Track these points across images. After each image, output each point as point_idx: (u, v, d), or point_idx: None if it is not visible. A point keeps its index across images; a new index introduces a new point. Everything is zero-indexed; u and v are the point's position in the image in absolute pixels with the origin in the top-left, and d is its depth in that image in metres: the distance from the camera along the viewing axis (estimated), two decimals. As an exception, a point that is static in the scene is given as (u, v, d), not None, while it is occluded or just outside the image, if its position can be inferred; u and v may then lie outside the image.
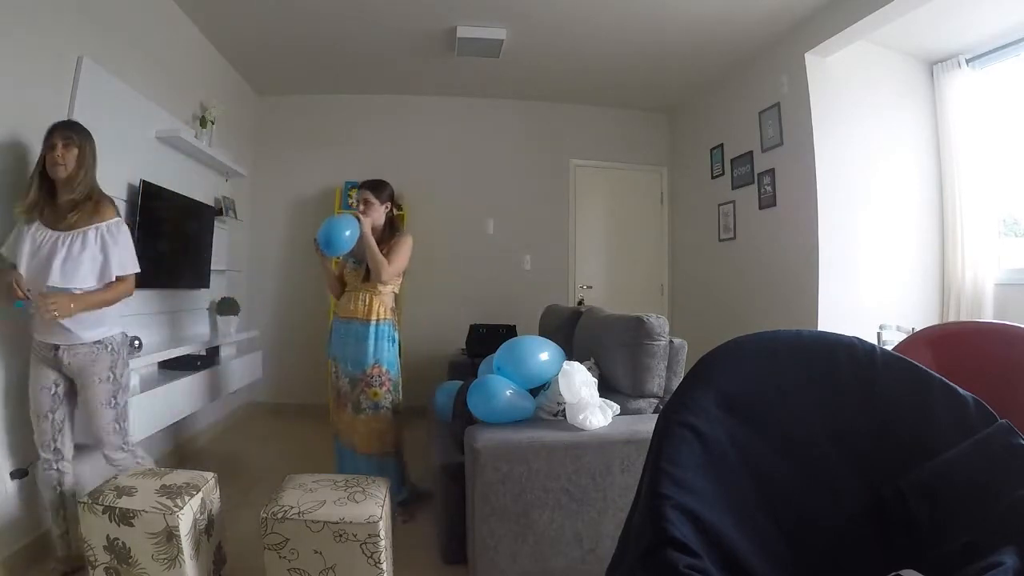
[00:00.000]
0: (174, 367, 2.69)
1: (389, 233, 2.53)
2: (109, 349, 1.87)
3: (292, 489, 1.68)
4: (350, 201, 2.58)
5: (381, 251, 2.40)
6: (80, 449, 2.19)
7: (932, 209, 3.37)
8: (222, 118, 3.46)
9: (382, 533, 1.58)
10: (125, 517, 1.54)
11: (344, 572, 1.56)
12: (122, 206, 2.50)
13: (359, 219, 2.36)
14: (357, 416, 2.43)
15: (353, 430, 2.44)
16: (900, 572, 0.92)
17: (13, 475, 1.90)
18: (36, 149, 1.96)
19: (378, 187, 2.53)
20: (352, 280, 2.51)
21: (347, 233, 2.29)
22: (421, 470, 2.71)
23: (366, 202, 2.48)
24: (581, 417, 1.79)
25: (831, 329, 1.34)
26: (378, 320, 2.43)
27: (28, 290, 1.74)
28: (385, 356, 2.43)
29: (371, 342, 2.41)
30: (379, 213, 2.50)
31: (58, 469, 1.87)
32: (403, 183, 4.28)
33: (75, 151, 1.78)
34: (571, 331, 2.62)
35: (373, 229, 2.44)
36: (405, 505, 2.45)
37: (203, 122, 3.26)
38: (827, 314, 3.08)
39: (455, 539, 1.96)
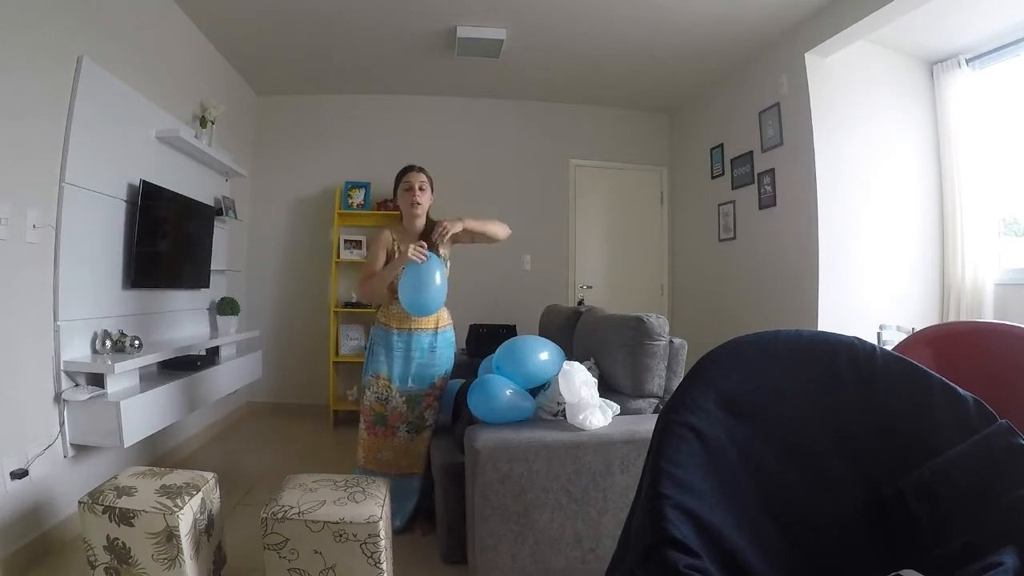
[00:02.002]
0: (174, 367, 2.69)
1: (432, 224, 2.29)
2: None
3: (292, 489, 1.68)
4: (412, 200, 2.28)
5: (440, 244, 2.19)
6: (80, 449, 2.20)
7: (932, 209, 3.38)
8: (222, 118, 3.46)
9: (382, 533, 1.58)
10: (125, 517, 1.54)
11: (344, 572, 1.56)
12: (122, 206, 2.51)
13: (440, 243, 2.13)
14: (418, 435, 2.23)
15: (410, 452, 2.23)
16: (900, 572, 0.92)
17: (13, 475, 1.90)
18: (36, 149, 1.96)
19: (426, 171, 2.31)
20: None
21: (437, 276, 2.08)
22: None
23: (421, 189, 2.28)
24: (581, 417, 1.79)
25: (831, 329, 1.34)
26: (444, 327, 2.28)
27: None
28: (450, 365, 2.31)
29: (439, 352, 2.25)
30: (430, 198, 2.32)
31: None
32: (403, 183, 4.28)
33: None
34: (571, 331, 2.62)
35: (425, 227, 2.26)
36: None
37: (203, 122, 3.26)
38: (827, 314, 3.08)
39: (455, 539, 1.96)
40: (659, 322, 2.00)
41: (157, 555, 1.54)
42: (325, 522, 1.54)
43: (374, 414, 2.23)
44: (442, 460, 2.05)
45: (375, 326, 2.30)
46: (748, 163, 3.72)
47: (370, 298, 2.27)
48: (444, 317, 2.31)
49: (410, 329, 2.23)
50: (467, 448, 1.81)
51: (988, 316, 3.00)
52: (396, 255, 2.21)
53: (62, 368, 2.12)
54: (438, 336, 2.27)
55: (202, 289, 3.29)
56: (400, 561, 1.86)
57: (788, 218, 3.36)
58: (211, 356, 3.12)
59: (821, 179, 3.12)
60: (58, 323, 2.12)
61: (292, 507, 1.57)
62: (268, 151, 4.38)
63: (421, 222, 2.33)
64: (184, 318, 3.17)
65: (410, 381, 2.23)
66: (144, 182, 2.57)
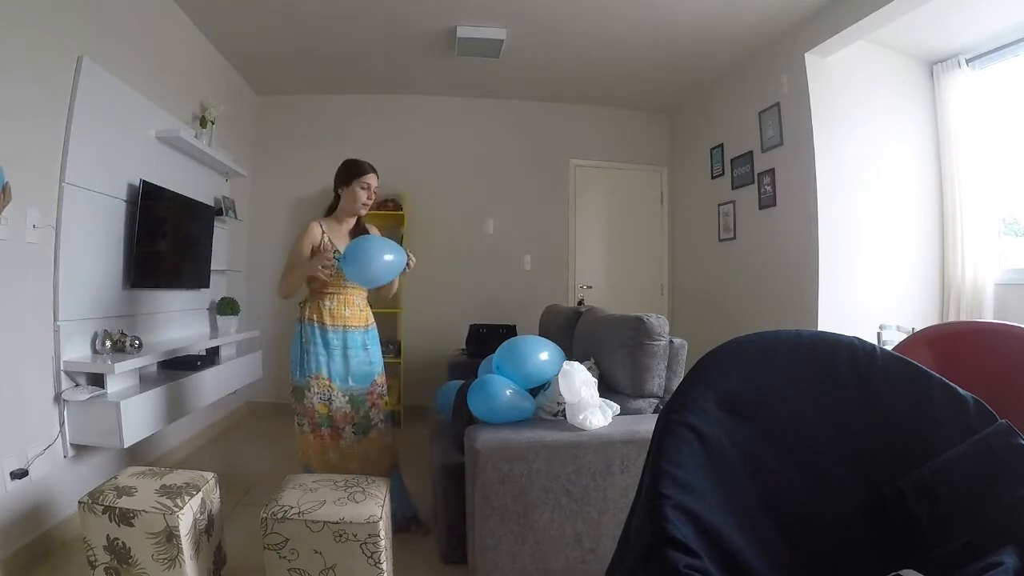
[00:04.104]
0: (174, 367, 2.69)
1: (363, 227, 2.30)
2: None
3: (292, 489, 1.68)
4: (365, 201, 2.27)
5: None
6: (80, 449, 2.20)
7: (932, 209, 3.38)
8: (222, 118, 3.46)
9: (382, 533, 1.58)
10: (125, 517, 1.54)
11: (344, 572, 1.56)
12: (122, 206, 2.51)
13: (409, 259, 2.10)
14: (365, 436, 2.18)
15: (358, 454, 2.16)
16: (900, 572, 0.92)
17: (13, 475, 1.90)
18: (36, 149, 1.96)
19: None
20: (342, 282, 2.16)
21: (388, 257, 2.03)
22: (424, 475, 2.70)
23: (375, 192, 2.28)
24: (581, 417, 1.79)
25: (831, 329, 1.34)
26: (371, 324, 2.27)
27: None
28: (382, 364, 2.29)
29: (371, 350, 2.23)
30: None
31: None
32: (403, 183, 4.28)
33: None
34: (571, 331, 2.62)
35: (355, 224, 2.27)
36: (416, 518, 2.31)
37: (203, 122, 3.26)
38: (827, 314, 3.08)
39: (455, 539, 1.96)
40: (659, 322, 2.00)
41: (157, 555, 1.54)
42: (325, 522, 1.54)
43: (319, 416, 2.14)
44: (442, 460, 2.05)
45: (306, 324, 2.17)
46: (748, 163, 3.72)
47: (287, 294, 2.18)
48: (370, 315, 2.29)
49: (344, 327, 2.17)
50: (467, 448, 1.81)
51: (988, 316, 3.00)
52: (326, 249, 2.15)
53: (62, 368, 2.12)
54: (368, 333, 2.25)
55: (202, 289, 3.29)
56: (400, 561, 1.86)
57: (788, 218, 3.36)
58: (211, 356, 3.12)
59: (821, 179, 3.12)
60: (58, 323, 2.12)
61: (292, 507, 1.57)
62: (268, 151, 4.38)
63: (354, 220, 2.31)
64: (184, 318, 3.17)
65: (350, 380, 2.17)
66: (144, 182, 2.57)
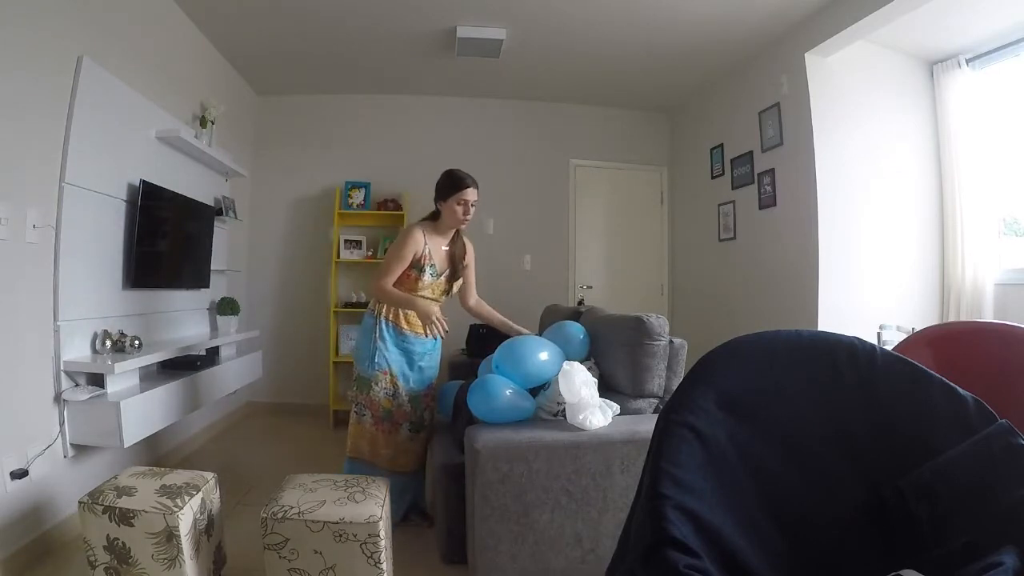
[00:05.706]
0: (174, 367, 2.69)
1: (462, 241, 2.35)
2: None
3: (292, 489, 1.68)
4: (463, 217, 2.25)
5: (462, 264, 2.33)
6: (80, 449, 2.20)
7: (932, 209, 3.37)
8: (222, 118, 3.46)
9: (382, 533, 1.58)
10: (125, 517, 1.54)
11: (344, 572, 1.56)
12: (122, 206, 2.51)
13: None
14: (418, 434, 2.29)
15: (409, 450, 2.27)
16: (900, 572, 0.92)
17: (13, 475, 1.90)
18: (36, 149, 1.96)
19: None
20: (432, 294, 2.26)
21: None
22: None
23: (473, 206, 2.26)
24: (581, 417, 1.79)
25: (831, 329, 1.34)
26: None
27: None
28: (438, 368, 2.40)
29: (432, 355, 2.33)
30: None
31: None
32: (403, 183, 4.29)
33: None
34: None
35: (452, 236, 2.31)
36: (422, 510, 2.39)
37: (203, 122, 3.26)
38: (827, 314, 3.08)
39: (455, 539, 1.95)
40: (659, 322, 2.00)
41: (157, 555, 1.54)
42: (325, 522, 1.54)
43: (383, 410, 2.23)
44: (442, 460, 2.05)
45: (381, 320, 2.23)
46: (748, 163, 3.72)
47: (380, 300, 2.24)
48: None
49: (416, 334, 2.26)
50: (467, 448, 1.81)
51: (988, 316, 3.00)
52: (424, 260, 2.21)
53: (62, 368, 2.12)
54: (436, 342, 2.34)
55: (202, 289, 3.29)
56: (400, 561, 1.86)
57: (788, 218, 3.36)
58: (211, 356, 3.12)
59: (821, 179, 3.12)
60: (58, 323, 2.12)
61: (292, 507, 1.57)
62: (268, 151, 4.38)
63: (452, 232, 2.35)
64: (184, 318, 3.17)
65: (412, 383, 2.28)
66: (144, 182, 2.57)
